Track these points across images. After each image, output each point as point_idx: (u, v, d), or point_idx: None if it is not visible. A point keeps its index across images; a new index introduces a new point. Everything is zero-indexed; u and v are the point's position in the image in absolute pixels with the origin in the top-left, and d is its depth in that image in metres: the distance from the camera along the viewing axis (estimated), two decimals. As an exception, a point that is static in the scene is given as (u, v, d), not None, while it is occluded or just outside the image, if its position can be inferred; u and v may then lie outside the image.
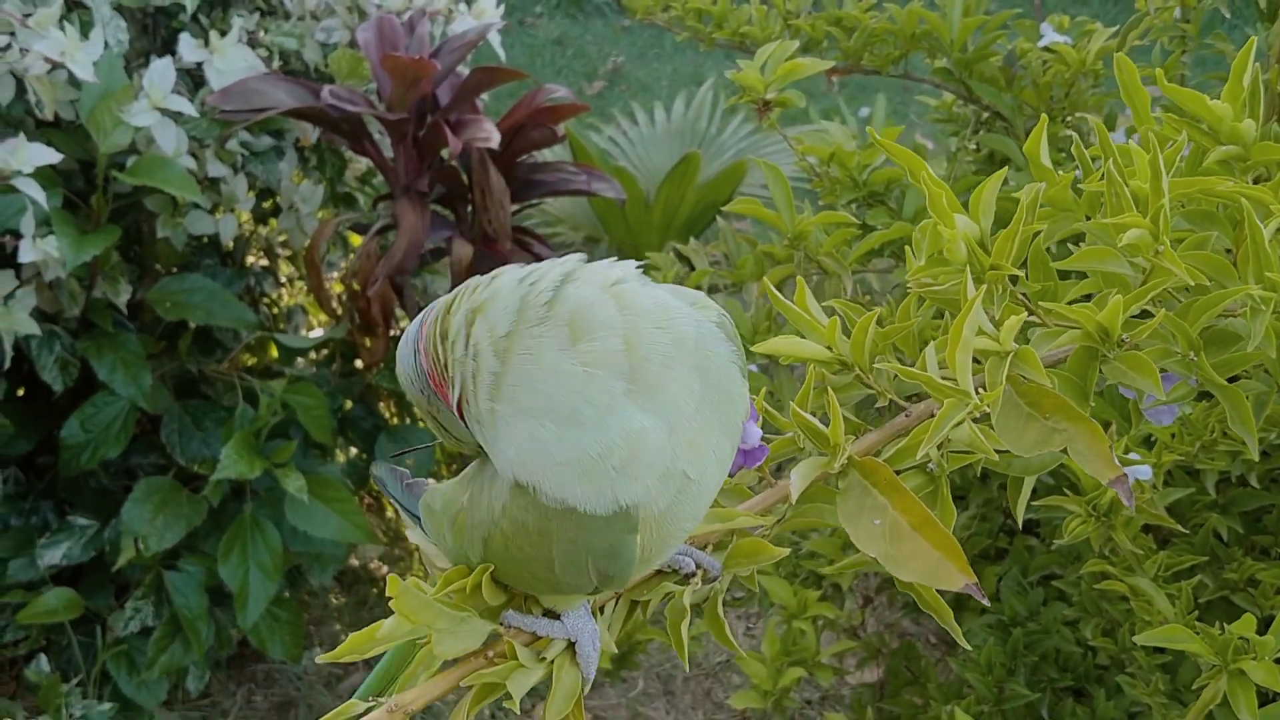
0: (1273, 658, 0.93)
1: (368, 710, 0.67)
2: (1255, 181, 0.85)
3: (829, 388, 0.76)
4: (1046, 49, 1.69)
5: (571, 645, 0.73)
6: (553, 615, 0.74)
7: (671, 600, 0.76)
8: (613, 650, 0.75)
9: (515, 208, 2.36)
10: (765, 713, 1.64)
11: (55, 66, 1.92)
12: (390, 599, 0.67)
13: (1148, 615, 1.09)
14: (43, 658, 2.06)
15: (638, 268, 0.69)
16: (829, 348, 0.78)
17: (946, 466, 0.75)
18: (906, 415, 0.76)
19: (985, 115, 1.83)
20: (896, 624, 2.19)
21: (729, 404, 0.69)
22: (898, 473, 0.73)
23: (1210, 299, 0.71)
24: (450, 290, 0.73)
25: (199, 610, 2.12)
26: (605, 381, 0.64)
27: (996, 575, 1.62)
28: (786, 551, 0.76)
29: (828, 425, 0.75)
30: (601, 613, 0.76)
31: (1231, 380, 0.77)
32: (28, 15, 1.87)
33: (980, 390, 0.70)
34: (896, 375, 0.75)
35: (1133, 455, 1.07)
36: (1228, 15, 1.31)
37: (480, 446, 0.72)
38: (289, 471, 2.08)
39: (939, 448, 0.73)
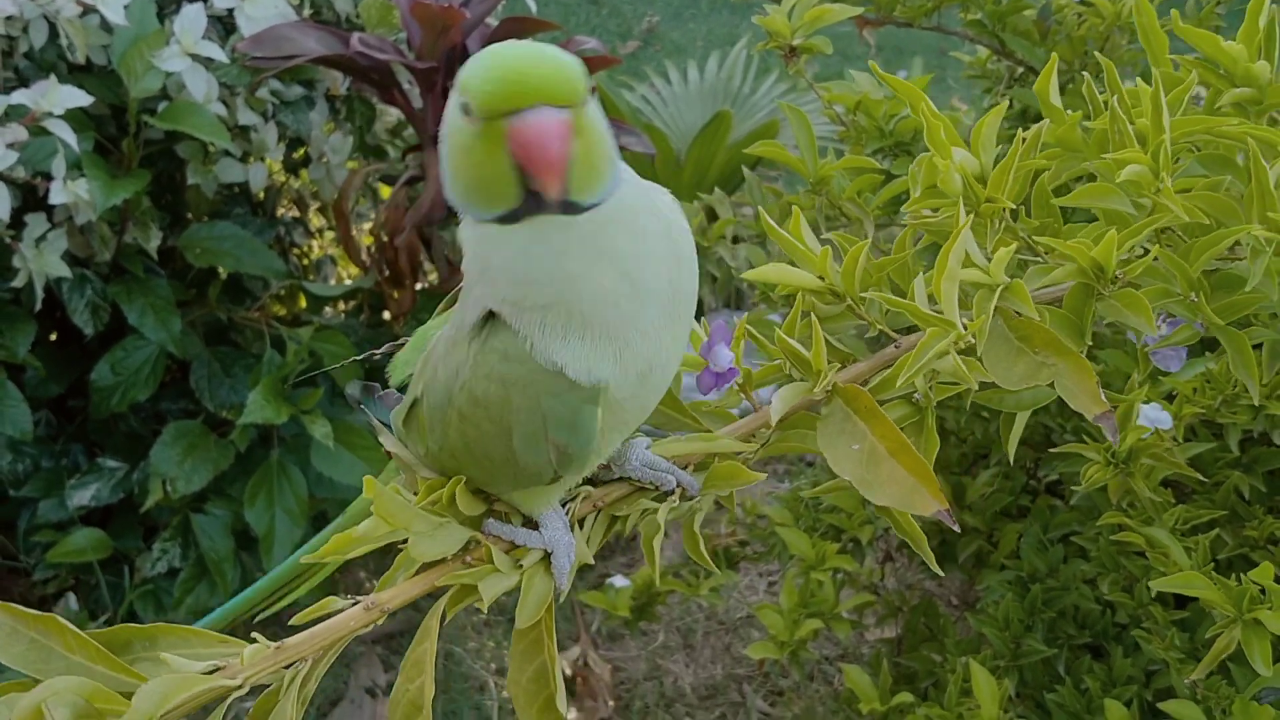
0: (1289, 608, 0.93)
1: (346, 607, 0.68)
2: (1271, 125, 0.84)
3: (814, 314, 0.76)
4: (1082, 2, 1.67)
5: (548, 556, 0.74)
6: (532, 526, 0.76)
7: (649, 516, 0.77)
8: (589, 561, 0.76)
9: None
10: (783, 664, 1.65)
11: (87, 10, 1.93)
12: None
13: (1164, 567, 1.08)
14: (71, 596, 2.10)
15: None
16: (820, 276, 0.78)
17: (933, 398, 0.75)
18: (896, 346, 0.76)
19: (1019, 71, 1.81)
20: (918, 585, 2.19)
21: (691, 291, 0.71)
22: (882, 402, 0.73)
23: (1209, 238, 0.70)
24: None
25: (225, 553, 2.15)
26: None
27: (1017, 533, 1.61)
28: (763, 476, 0.76)
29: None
30: (581, 526, 0.77)
31: (1240, 326, 0.76)
32: (60, -43, 1.88)
33: (966, 321, 0.70)
34: (889, 308, 0.74)
35: (1153, 404, 1.06)
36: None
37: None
38: (315, 418, 2.09)
39: (926, 378, 0.73)
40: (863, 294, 0.79)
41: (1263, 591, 0.93)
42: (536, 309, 0.66)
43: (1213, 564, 1.08)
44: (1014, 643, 1.44)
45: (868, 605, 1.84)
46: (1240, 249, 0.77)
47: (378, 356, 0.91)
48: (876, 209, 1.17)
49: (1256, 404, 0.83)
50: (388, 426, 0.85)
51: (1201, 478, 1.12)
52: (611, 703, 2.21)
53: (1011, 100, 1.81)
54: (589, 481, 0.80)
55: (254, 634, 0.67)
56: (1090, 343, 1.25)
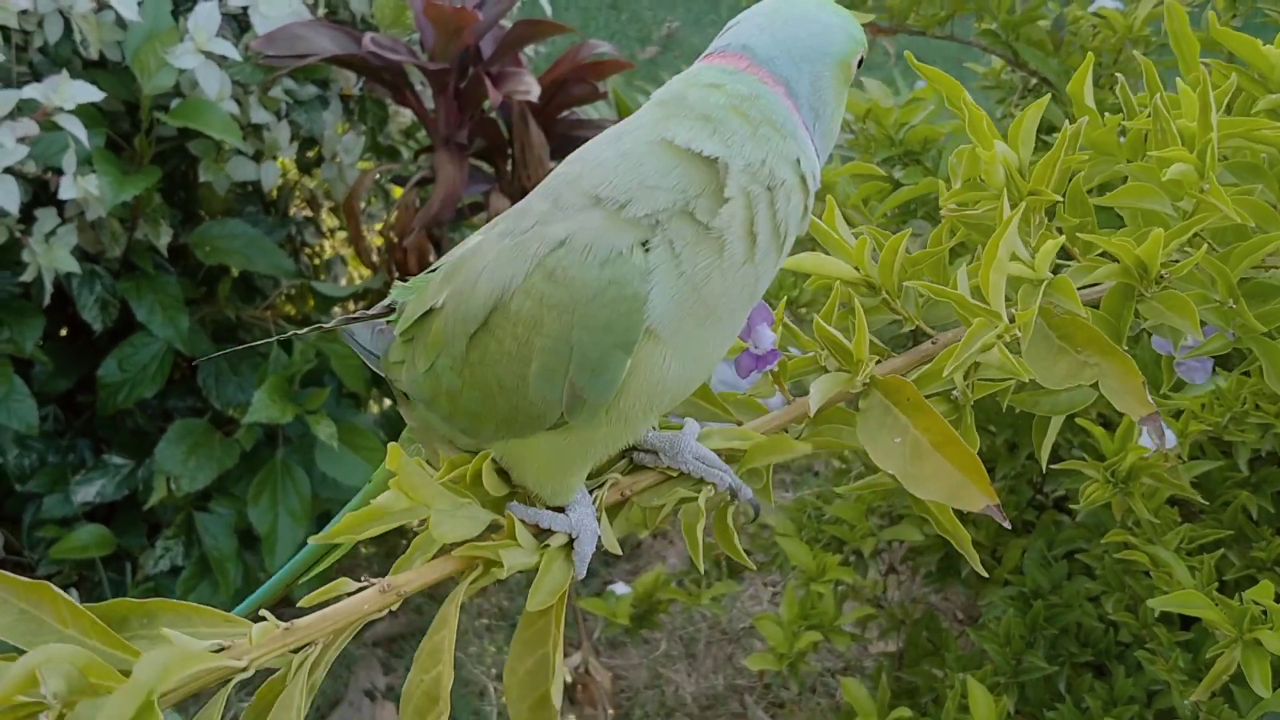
0: (1290, 629, 0.91)
1: (359, 589, 0.65)
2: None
3: (856, 303, 0.74)
4: (1096, 14, 1.65)
5: (571, 541, 0.72)
6: (558, 510, 0.73)
7: (688, 504, 0.74)
8: (617, 551, 0.74)
9: (555, 163, 2.35)
10: (783, 676, 1.63)
11: (102, 6, 1.93)
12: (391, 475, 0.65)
13: (1167, 586, 1.06)
14: (74, 592, 2.10)
15: None
16: (857, 268, 0.76)
17: (971, 395, 0.73)
18: (933, 342, 0.74)
19: (1033, 82, 1.80)
20: (922, 598, 2.18)
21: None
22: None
23: (1255, 242, 0.68)
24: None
25: (228, 552, 2.14)
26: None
27: (1021, 548, 1.59)
28: (809, 447, 0.73)
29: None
30: (606, 515, 0.75)
31: (1270, 337, 0.75)
32: (75, -47, 1.88)
33: (1012, 313, 0.68)
34: (925, 301, 0.73)
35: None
36: (1280, -23, 1.27)
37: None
38: (320, 418, 2.09)
39: (965, 376, 0.71)
40: (904, 283, 0.77)
41: (1264, 612, 0.91)
42: (678, 216, 0.64)
43: (1217, 584, 1.06)
44: (1015, 659, 1.42)
45: (870, 618, 1.83)
46: (1272, 259, 0.76)
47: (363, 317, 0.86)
48: (882, 216, 1.16)
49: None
50: (376, 356, 0.81)
51: (1202, 500, 1.10)
52: (611, 711, 2.20)
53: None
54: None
55: (263, 612, 0.63)
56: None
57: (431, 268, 0.79)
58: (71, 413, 2.33)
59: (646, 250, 0.64)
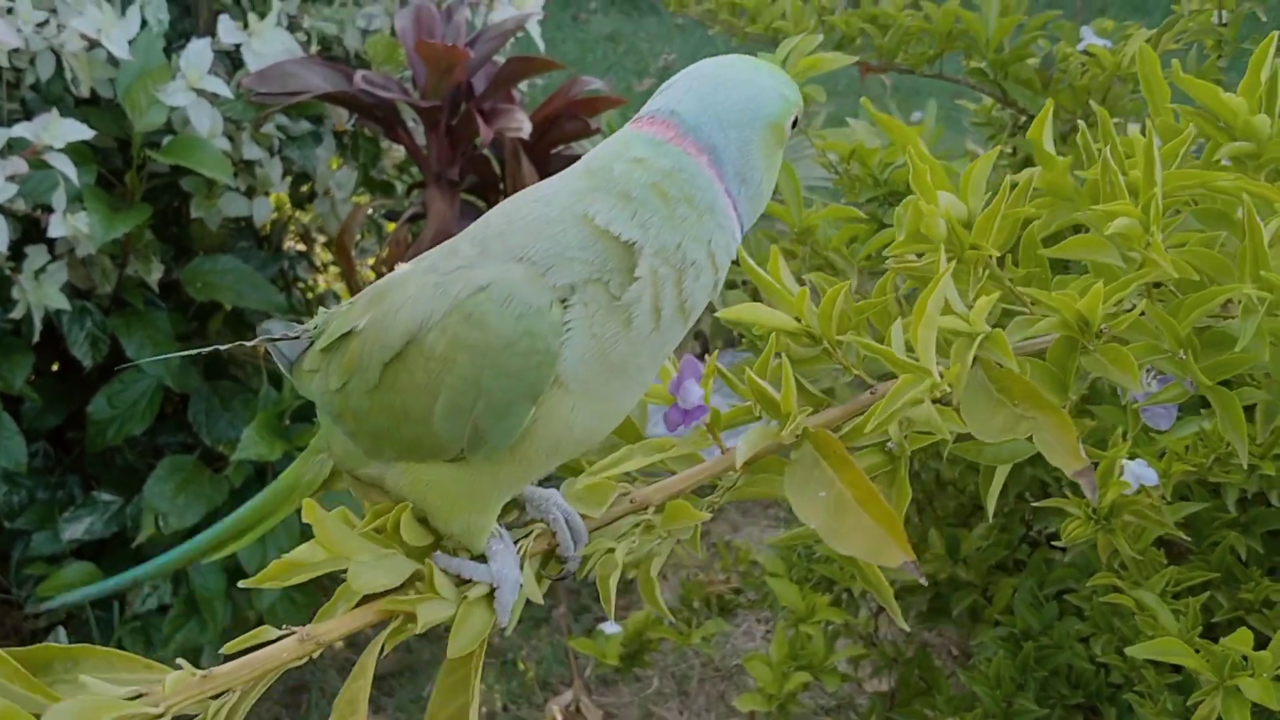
0: (1271, 674, 0.90)
1: (280, 638, 0.66)
2: (1273, 181, 0.82)
3: (787, 357, 0.75)
4: (1085, 52, 1.65)
5: (494, 590, 0.72)
6: (480, 560, 0.73)
7: (606, 556, 0.75)
8: (539, 600, 0.74)
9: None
10: (773, 716, 1.61)
11: (94, 44, 1.94)
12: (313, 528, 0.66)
13: (1151, 630, 1.05)
14: (60, 631, 2.08)
15: None
16: (797, 318, 0.76)
17: (908, 447, 0.73)
18: (872, 393, 0.74)
19: (1022, 119, 1.80)
20: (916, 635, 2.16)
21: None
22: (855, 449, 0.71)
23: (1199, 296, 0.68)
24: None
25: (216, 590, 2.13)
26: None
27: (1012, 588, 1.58)
28: (708, 516, 0.74)
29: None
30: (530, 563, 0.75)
31: (1229, 384, 0.74)
32: (67, -8, 1.89)
33: (943, 370, 0.68)
34: (866, 353, 0.73)
35: (1139, 460, 1.04)
36: (1264, 19, 1.27)
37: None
38: (310, 455, 2.08)
39: (901, 427, 0.72)
40: (840, 338, 0.77)
41: (1244, 658, 0.90)
42: (592, 281, 0.67)
43: (1205, 627, 1.05)
44: (1005, 701, 1.41)
45: (862, 657, 1.81)
46: (1234, 305, 0.75)
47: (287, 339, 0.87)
48: (863, 259, 1.16)
49: (1245, 466, 0.80)
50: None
51: (1186, 539, 1.10)
52: (603, 750, 2.18)
53: (1015, 148, 1.79)
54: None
55: (180, 661, 0.64)
56: (1084, 394, 1.23)
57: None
58: (61, 449, 2.32)
59: (564, 307, 0.67)
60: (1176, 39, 1.38)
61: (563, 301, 0.67)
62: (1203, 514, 1.26)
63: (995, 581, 1.63)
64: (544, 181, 0.73)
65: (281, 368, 0.85)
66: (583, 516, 0.77)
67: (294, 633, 0.66)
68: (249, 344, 0.86)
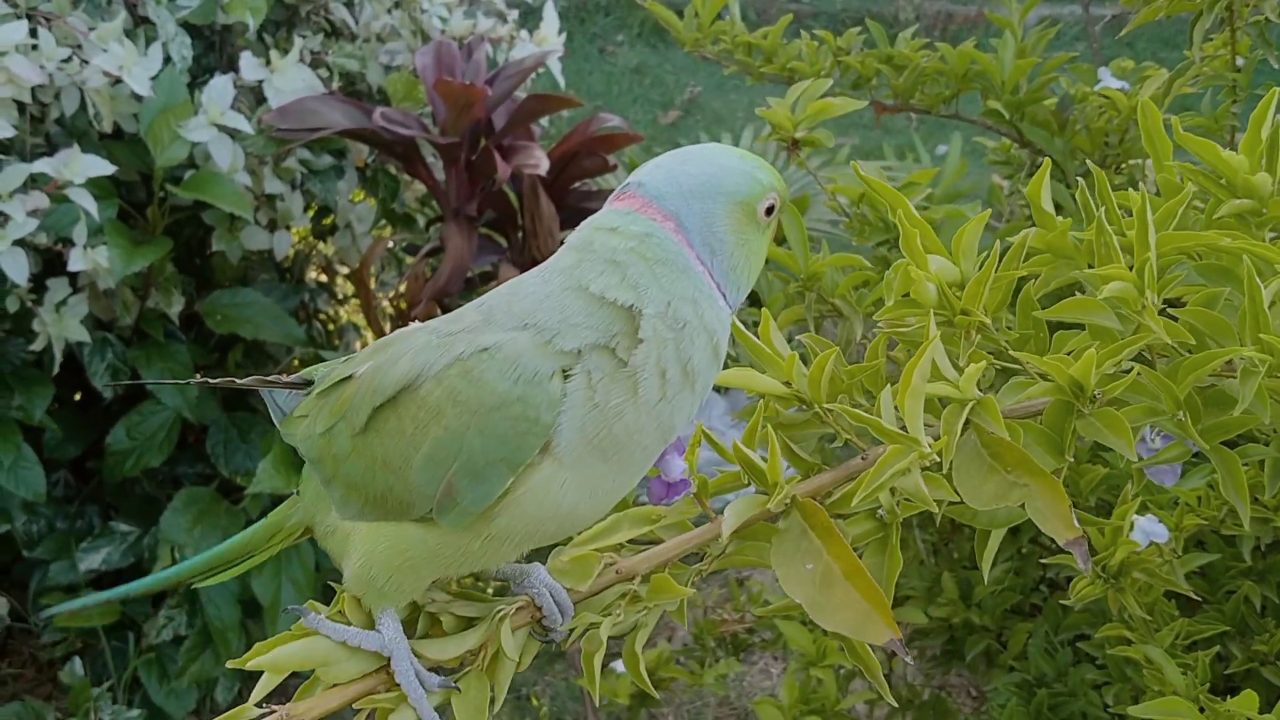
0: (1276, 739, 0.88)
1: (260, 717, 0.66)
2: (1275, 239, 0.81)
3: (773, 424, 0.74)
4: (1101, 94, 1.65)
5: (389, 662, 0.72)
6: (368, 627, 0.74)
7: (591, 631, 0.74)
8: (524, 667, 0.74)
9: (565, 234, 2.36)
10: (784, 759, 1.60)
11: (117, 80, 1.96)
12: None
13: (1158, 685, 1.04)
14: (77, 661, 2.09)
15: None
16: (787, 383, 0.76)
17: (899, 514, 0.72)
18: (863, 458, 0.73)
19: (1039, 159, 1.79)
20: (932, 676, 2.14)
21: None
22: (845, 517, 0.71)
23: (1197, 359, 0.67)
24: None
25: (231, 622, 2.13)
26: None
27: (1027, 633, 1.57)
28: (692, 592, 0.74)
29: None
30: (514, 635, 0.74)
31: (1233, 444, 0.73)
32: (92, 29, 1.91)
33: (933, 439, 0.67)
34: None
35: (1150, 517, 1.03)
36: (1276, 66, 1.27)
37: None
38: (325, 488, 2.08)
39: (892, 493, 0.71)
40: (829, 405, 0.77)
41: (1249, 720, 0.89)
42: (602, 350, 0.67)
43: (1208, 684, 1.03)
44: (1018, 750, 1.39)
45: (876, 700, 1.79)
46: (1235, 364, 0.74)
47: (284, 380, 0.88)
48: (870, 305, 1.15)
49: (1246, 527, 0.79)
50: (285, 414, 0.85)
51: (1196, 596, 1.08)
52: (615, 789, 2.16)
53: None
54: (500, 591, 0.79)
55: None
56: (1085, 451, 1.21)
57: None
58: (81, 478, 2.33)
59: (566, 378, 0.67)
60: (1191, 83, 1.37)
61: (565, 371, 0.67)
62: (1217, 563, 1.24)
63: (1010, 626, 1.61)
64: (540, 265, 0.75)
65: (274, 417, 0.86)
66: (568, 590, 0.76)
67: (273, 711, 0.67)
68: (239, 383, 0.85)
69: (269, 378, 0.85)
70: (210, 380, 0.89)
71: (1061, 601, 1.60)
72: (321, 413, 0.78)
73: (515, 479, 0.67)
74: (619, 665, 1.90)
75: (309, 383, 0.84)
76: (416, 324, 0.78)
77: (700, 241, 0.71)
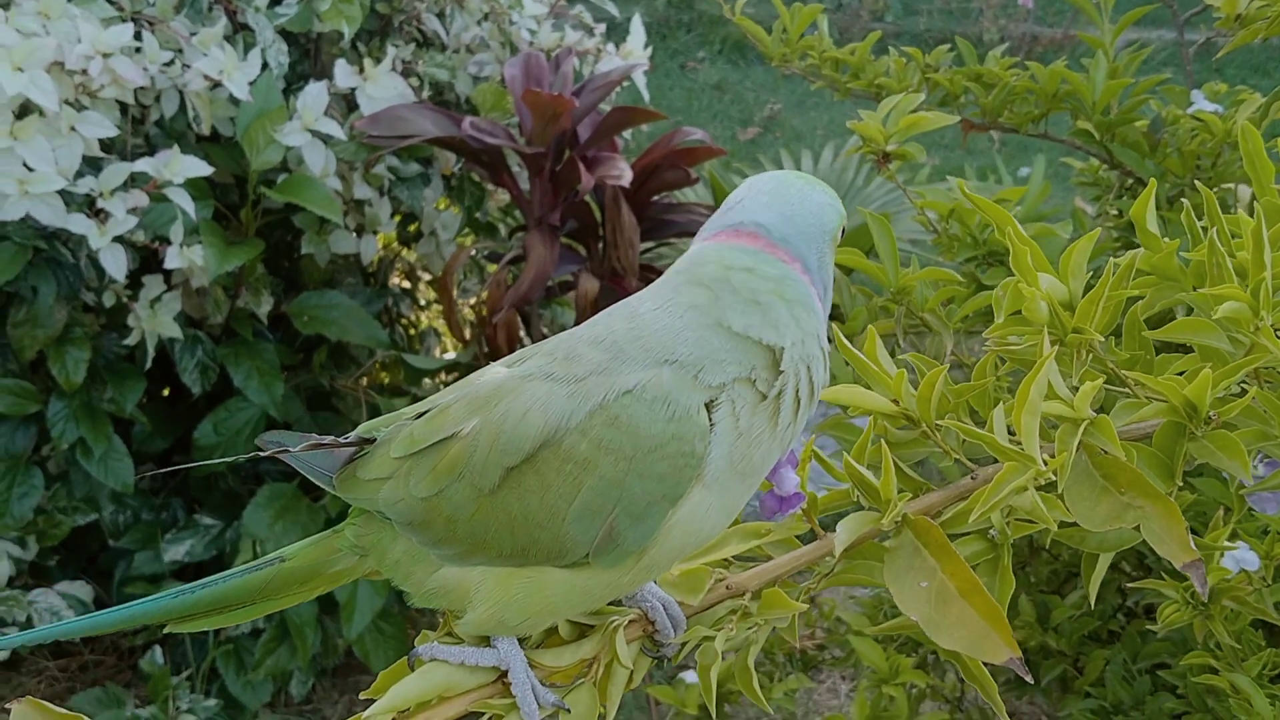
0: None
1: None
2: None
3: (886, 442, 0.74)
4: (1194, 116, 1.63)
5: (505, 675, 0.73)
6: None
7: (707, 644, 0.75)
8: (636, 682, 0.75)
9: (645, 246, 2.38)
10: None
11: (216, 84, 2.02)
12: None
13: (1245, 715, 1.02)
14: (157, 650, 2.14)
15: None
16: (895, 400, 0.76)
17: (1010, 534, 0.72)
18: (973, 477, 0.73)
19: (1129, 181, 1.77)
20: (1005, 698, 2.11)
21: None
22: (956, 537, 0.70)
23: (1309, 381, 0.66)
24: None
25: (308, 617, 2.17)
26: None
27: (1104, 659, 1.54)
28: (805, 607, 0.74)
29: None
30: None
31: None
32: (193, 34, 1.97)
33: (1047, 457, 0.67)
34: (966, 437, 0.72)
35: (1240, 544, 1.01)
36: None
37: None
38: (403, 489, 2.11)
39: (1003, 514, 0.70)
40: (939, 422, 0.76)
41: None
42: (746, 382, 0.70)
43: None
44: (1093, 777, 1.37)
45: (948, 720, 1.78)
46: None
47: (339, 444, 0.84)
48: (959, 321, 1.15)
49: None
50: (322, 472, 0.83)
51: (1286, 624, 1.06)
52: (680, 800, 2.16)
53: (1121, 210, 1.77)
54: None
55: None
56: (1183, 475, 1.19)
57: (418, 409, 0.79)
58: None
59: (711, 410, 0.69)
60: (1290, 107, 1.35)
61: (708, 404, 0.69)
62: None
63: (1087, 652, 1.59)
64: (638, 295, 0.76)
65: (314, 479, 0.84)
66: (679, 603, 0.77)
67: None
68: (264, 454, 0.83)
69: (324, 440, 0.83)
70: (263, 453, 0.85)
71: (1146, 628, 1.58)
72: (420, 475, 0.75)
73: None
74: (689, 675, 1.90)
75: (368, 441, 0.81)
76: (500, 368, 0.76)
77: (818, 280, 0.75)
